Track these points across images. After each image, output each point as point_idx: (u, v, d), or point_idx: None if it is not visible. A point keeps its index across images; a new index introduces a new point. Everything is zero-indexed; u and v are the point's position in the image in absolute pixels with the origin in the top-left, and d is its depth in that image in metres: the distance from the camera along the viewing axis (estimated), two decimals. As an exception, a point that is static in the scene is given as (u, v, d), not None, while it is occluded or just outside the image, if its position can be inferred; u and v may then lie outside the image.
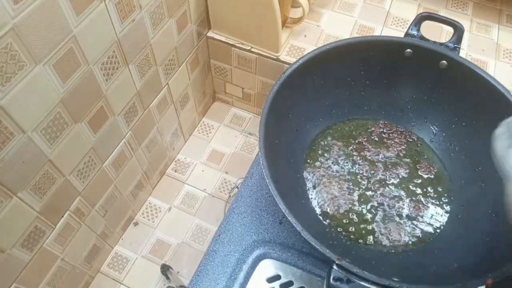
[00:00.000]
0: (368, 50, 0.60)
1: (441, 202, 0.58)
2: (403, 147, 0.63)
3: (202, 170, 1.15)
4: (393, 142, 0.63)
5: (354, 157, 0.62)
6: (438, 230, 0.55)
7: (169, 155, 1.13)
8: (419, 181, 0.59)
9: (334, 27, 1.00)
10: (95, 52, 0.67)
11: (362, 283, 0.41)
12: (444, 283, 0.43)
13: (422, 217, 0.56)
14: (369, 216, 0.56)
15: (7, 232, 0.64)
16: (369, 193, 0.58)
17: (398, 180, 0.59)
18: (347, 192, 0.58)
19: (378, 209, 0.57)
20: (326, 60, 0.58)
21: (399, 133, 0.64)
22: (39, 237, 0.71)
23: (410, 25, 0.61)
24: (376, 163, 0.61)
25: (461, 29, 0.59)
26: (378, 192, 0.58)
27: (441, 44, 0.58)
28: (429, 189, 0.59)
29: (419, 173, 0.60)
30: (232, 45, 0.99)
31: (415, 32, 0.60)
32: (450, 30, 0.60)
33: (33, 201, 0.66)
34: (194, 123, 1.22)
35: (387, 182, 0.59)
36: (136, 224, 1.07)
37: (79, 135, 0.71)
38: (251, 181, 0.61)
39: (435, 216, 0.56)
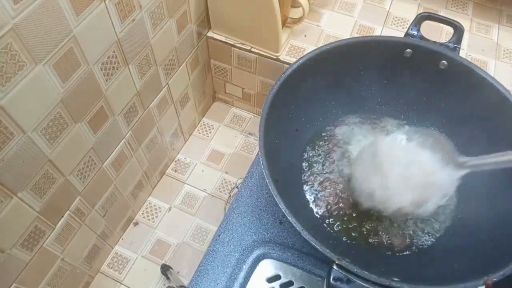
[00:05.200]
0: (368, 50, 0.60)
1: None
2: (403, 147, 0.62)
3: (202, 170, 1.15)
4: (393, 142, 0.63)
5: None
6: (439, 232, 0.55)
7: (169, 155, 1.13)
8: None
9: (334, 27, 1.00)
10: (95, 52, 0.67)
11: (362, 283, 0.41)
12: (444, 283, 0.43)
13: (423, 218, 0.56)
14: (369, 216, 0.56)
15: (7, 232, 0.64)
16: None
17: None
18: (347, 192, 0.58)
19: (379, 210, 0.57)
20: (326, 60, 0.58)
21: (399, 133, 0.64)
22: (39, 237, 0.71)
23: (410, 25, 0.61)
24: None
25: (461, 29, 0.59)
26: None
27: (441, 44, 0.58)
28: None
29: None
30: (232, 45, 0.99)
31: (415, 32, 0.60)
32: (450, 30, 0.60)
33: (33, 201, 0.66)
34: (194, 123, 1.22)
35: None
36: (136, 224, 1.07)
37: (79, 135, 0.72)
38: (251, 181, 0.61)
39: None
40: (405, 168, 0.45)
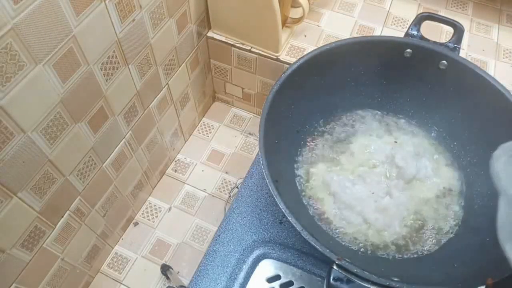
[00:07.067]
0: (368, 50, 0.60)
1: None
2: (403, 147, 0.62)
3: (202, 170, 1.15)
4: (393, 142, 0.63)
5: (355, 157, 0.61)
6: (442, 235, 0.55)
7: (169, 155, 1.13)
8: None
9: (334, 27, 1.00)
10: (95, 52, 0.67)
11: (362, 283, 0.41)
12: (444, 283, 0.43)
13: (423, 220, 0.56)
14: (370, 217, 0.56)
15: (7, 232, 0.64)
16: (371, 194, 0.58)
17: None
18: (347, 193, 0.58)
19: (380, 211, 0.57)
20: (326, 60, 0.58)
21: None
22: (39, 237, 0.71)
23: (410, 25, 0.61)
24: (377, 165, 0.61)
25: (461, 29, 0.59)
26: (381, 194, 0.58)
27: (441, 44, 0.58)
28: (429, 189, 0.59)
29: (419, 173, 0.60)
30: (232, 45, 0.99)
31: (415, 32, 0.60)
32: (450, 30, 0.60)
33: (33, 201, 0.66)
34: (194, 123, 1.22)
35: (389, 184, 0.59)
36: (136, 224, 1.07)
37: (79, 135, 0.71)
38: (251, 181, 0.61)
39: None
40: None
